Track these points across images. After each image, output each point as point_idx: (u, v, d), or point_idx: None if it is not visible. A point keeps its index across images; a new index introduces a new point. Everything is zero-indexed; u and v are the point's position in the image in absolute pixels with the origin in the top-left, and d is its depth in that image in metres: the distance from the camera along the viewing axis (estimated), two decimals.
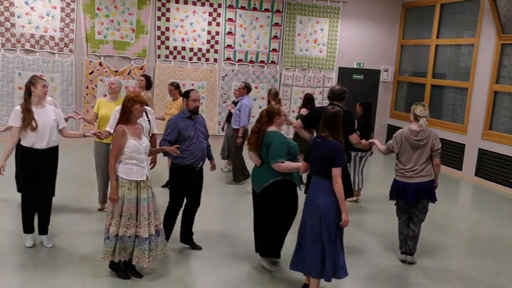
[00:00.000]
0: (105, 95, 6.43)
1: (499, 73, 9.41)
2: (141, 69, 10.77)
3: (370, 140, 5.73)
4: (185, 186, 5.07)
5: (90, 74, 10.48)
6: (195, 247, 5.27)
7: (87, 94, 10.54)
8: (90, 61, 10.46)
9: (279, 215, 4.70)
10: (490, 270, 5.40)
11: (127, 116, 4.34)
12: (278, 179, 4.61)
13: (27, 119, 4.71)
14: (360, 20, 12.12)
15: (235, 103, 8.47)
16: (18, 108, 4.80)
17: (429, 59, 11.25)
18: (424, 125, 5.11)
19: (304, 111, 8.18)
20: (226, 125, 8.95)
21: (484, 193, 8.97)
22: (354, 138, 5.47)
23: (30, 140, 4.77)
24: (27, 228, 4.98)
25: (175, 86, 7.60)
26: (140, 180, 4.31)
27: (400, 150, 5.18)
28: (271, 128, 4.73)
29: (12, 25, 9.88)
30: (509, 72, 9.28)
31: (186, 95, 5.11)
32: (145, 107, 5.32)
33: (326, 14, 11.90)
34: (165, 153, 4.98)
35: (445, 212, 7.46)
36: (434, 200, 5.26)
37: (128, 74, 10.70)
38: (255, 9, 11.40)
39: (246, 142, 7.92)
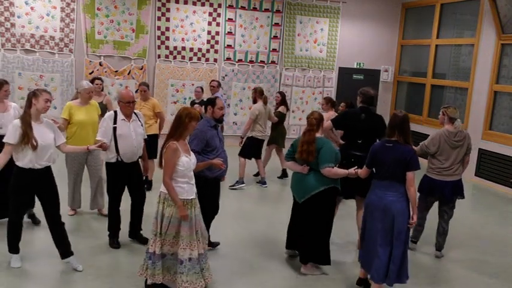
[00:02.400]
0: (73, 99, 6.13)
1: (499, 73, 9.41)
2: (141, 69, 10.77)
3: None
4: (209, 195, 4.97)
5: (90, 74, 10.46)
6: (213, 245, 5.33)
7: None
8: (90, 61, 10.46)
9: (329, 221, 4.81)
10: (490, 270, 5.40)
11: (181, 131, 4.08)
12: (330, 186, 4.68)
13: (28, 136, 4.23)
14: (360, 20, 12.12)
15: (193, 103, 8.61)
16: (17, 122, 4.30)
17: (429, 59, 11.25)
18: (460, 126, 5.41)
19: (282, 109, 8.58)
20: None
21: (484, 193, 8.97)
22: None
23: (28, 160, 4.30)
24: (14, 248, 4.62)
25: (147, 86, 7.49)
26: (191, 199, 4.12)
27: (438, 151, 5.37)
28: (318, 134, 4.78)
29: (12, 25, 9.88)
30: (509, 72, 9.28)
31: (212, 102, 4.95)
32: (136, 111, 5.29)
33: (326, 14, 11.90)
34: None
35: None
36: (463, 196, 5.56)
37: (128, 74, 10.70)
38: (255, 9, 11.40)
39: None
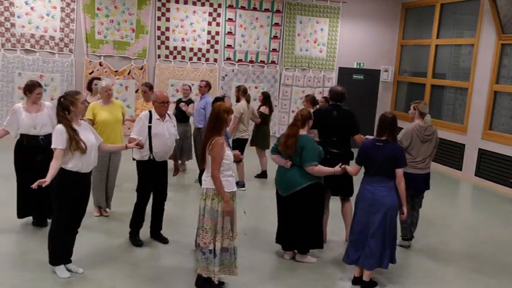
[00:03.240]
0: (98, 99, 6.17)
1: (499, 73, 9.40)
2: (141, 69, 10.78)
3: (367, 136, 5.87)
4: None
5: (90, 74, 10.47)
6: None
7: (87, 94, 10.53)
8: (90, 61, 10.47)
9: (316, 212, 5.01)
10: (489, 270, 5.40)
11: (221, 126, 4.19)
12: (312, 182, 4.84)
13: (75, 140, 4.14)
14: (360, 20, 12.12)
15: (180, 101, 8.26)
16: (61, 127, 4.17)
17: (429, 59, 11.24)
18: (429, 121, 5.62)
19: (264, 109, 8.40)
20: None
21: (484, 193, 8.96)
22: (358, 138, 5.59)
23: (77, 164, 4.21)
24: (59, 258, 4.42)
25: (150, 87, 7.37)
26: (235, 191, 4.30)
27: (410, 145, 5.49)
28: (303, 132, 4.91)
29: (12, 25, 9.88)
30: (509, 72, 9.28)
31: (220, 101, 5.00)
32: (169, 113, 5.39)
33: (326, 14, 11.91)
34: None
35: (445, 212, 7.46)
36: (429, 187, 5.77)
37: (128, 74, 10.70)
38: (255, 9, 11.41)
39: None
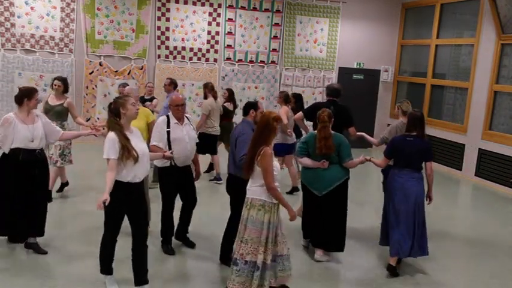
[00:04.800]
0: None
1: (499, 73, 9.41)
2: (141, 69, 10.78)
3: (359, 133, 6.19)
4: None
5: (90, 74, 10.48)
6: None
7: (87, 94, 10.54)
8: (90, 61, 10.46)
9: (346, 207, 5.26)
10: (489, 270, 5.40)
11: (269, 135, 4.07)
12: (347, 176, 5.19)
13: (127, 149, 3.90)
14: (360, 20, 12.12)
15: (144, 100, 8.11)
16: (113, 136, 3.93)
17: (429, 59, 11.25)
18: None
19: (228, 105, 8.64)
20: None
21: (484, 193, 8.96)
22: (352, 130, 6.14)
23: (127, 173, 3.97)
24: (107, 268, 4.28)
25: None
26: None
27: None
28: (332, 131, 5.12)
29: (12, 25, 9.88)
30: (509, 72, 9.28)
31: (254, 106, 4.97)
32: (187, 115, 5.27)
33: (326, 14, 11.91)
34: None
35: (445, 211, 7.46)
36: None
37: (128, 74, 10.70)
38: (255, 9, 11.40)
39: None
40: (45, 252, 4.91)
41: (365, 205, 7.47)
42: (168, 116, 5.04)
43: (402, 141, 4.99)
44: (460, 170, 10.10)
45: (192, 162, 5.27)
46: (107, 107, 4.16)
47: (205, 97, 8.18)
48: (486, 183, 9.41)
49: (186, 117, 5.18)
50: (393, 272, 4.98)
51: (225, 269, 4.74)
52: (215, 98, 8.12)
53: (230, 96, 8.70)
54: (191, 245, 5.36)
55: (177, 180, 5.08)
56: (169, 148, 4.87)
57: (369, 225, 6.51)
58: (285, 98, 7.79)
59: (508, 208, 8.07)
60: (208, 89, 8.15)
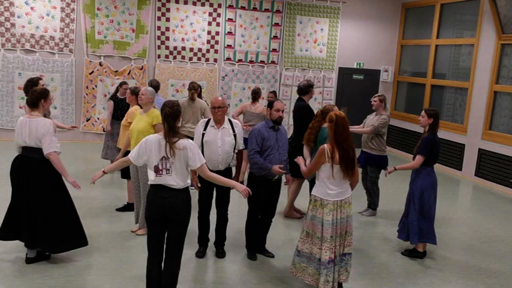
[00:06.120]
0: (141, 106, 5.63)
1: (499, 73, 9.41)
2: (141, 69, 10.78)
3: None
4: (261, 195, 4.96)
5: (90, 74, 10.49)
6: (268, 255, 5.31)
7: (87, 94, 10.55)
8: (90, 61, 10.47)
9: None
10: (490, 270, 5.40)
11: (345, 134, 4.19)
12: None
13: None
14: (360, 20, 12.13)
15: (116, 101, 7.90)
16: (192, 143, 3.82)
17: (429, 59, 11.25)
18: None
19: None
20: (113, 122, 7.92)
21: (484, 193, 8.96)
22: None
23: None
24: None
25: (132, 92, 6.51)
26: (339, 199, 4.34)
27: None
28: (325, 124, 5.07)
29: (12, 25, 9.88)
30: (509, 72, 9.28)
31: (270, 104, 5.02)
32: (233, 119, 5.22)
33: (326, 14, 11.91)
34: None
35: (445, 211, 7.46)
36: None
37: (128, 74, 10.70)
38: (255, 9, 11.41)
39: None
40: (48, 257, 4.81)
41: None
42: (209, 119, 5.04)
43: (438, 141, 5.46)
44: (460, 170, 10.10)
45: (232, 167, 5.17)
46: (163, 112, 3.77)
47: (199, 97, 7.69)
48: (486, 183, 9.41)
49: (230, 120, 5.07)
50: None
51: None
52: (193, 99, 7.46)
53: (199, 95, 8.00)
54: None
55: (210, 185, 4.81)
56: (202, 151, 4.73)
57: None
58: (254, 95, 7.94)
59: (507, 208, 8.07)
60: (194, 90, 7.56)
